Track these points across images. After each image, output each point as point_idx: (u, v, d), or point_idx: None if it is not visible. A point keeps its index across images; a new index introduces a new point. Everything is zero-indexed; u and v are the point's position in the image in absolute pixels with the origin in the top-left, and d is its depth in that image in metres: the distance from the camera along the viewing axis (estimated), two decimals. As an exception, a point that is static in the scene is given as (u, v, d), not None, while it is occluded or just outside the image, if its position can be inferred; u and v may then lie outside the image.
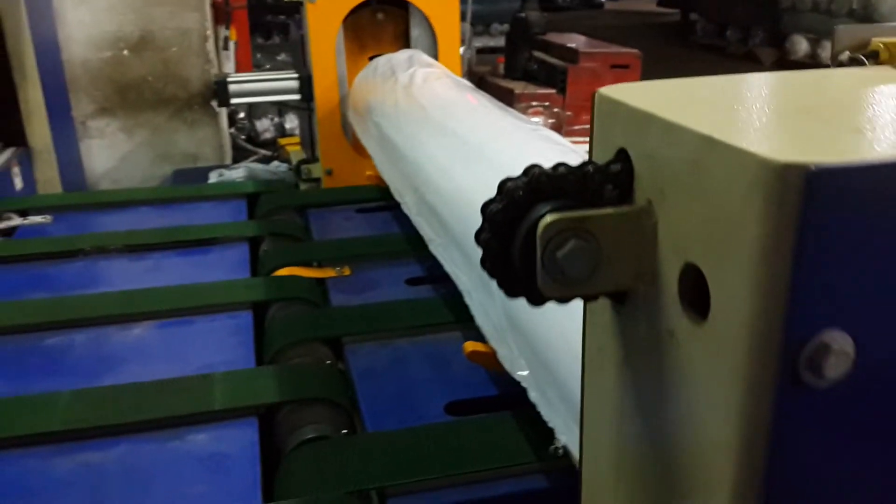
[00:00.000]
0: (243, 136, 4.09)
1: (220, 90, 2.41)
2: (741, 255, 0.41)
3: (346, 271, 1.63)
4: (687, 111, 0.47)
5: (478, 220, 0.51)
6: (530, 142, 1.29)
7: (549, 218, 0.48)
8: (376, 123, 1.90)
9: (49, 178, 2.60)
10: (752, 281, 0.40)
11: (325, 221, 1.99)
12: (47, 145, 2.58)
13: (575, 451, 0.79)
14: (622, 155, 0.51)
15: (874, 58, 0.64)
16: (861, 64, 0.65)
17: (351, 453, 1.03)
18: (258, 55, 5.08)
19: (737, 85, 0.55)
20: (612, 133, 0.53)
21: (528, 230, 0.49)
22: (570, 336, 0.77)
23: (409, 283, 1.59)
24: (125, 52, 3.04)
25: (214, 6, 3.31)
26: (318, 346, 1.33)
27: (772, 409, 0.41)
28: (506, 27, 5.34)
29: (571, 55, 4.11)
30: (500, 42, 5.48)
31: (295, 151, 2.86)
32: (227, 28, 3.66)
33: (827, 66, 0.68)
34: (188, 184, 2.67)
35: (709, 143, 0.43)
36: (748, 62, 7.12)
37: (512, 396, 1.09)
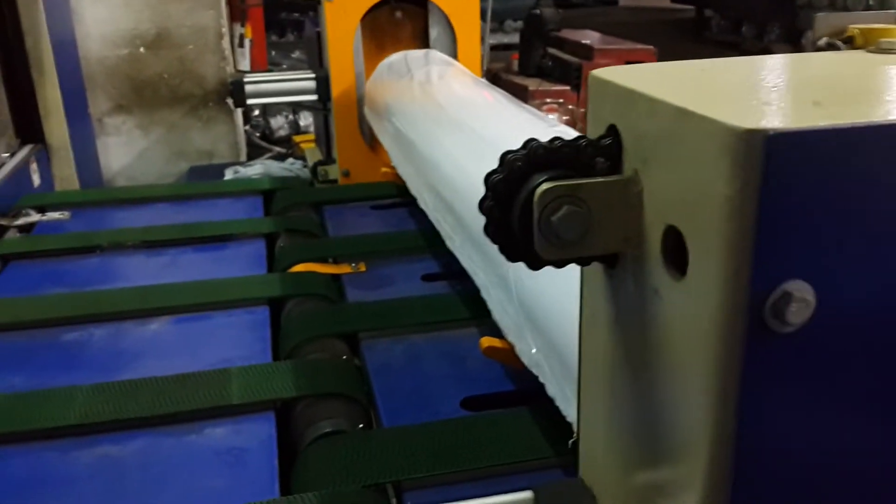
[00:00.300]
0: (258, 134, 4.10)
1: (236, 90, 2.40)
2: (712, 214, 0.45)
3: (362, 267, 1.64)
4: (666, 88, 0.52)
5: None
6: (545, 138, 1.28)
7: (545, 186, 0.53)
8: (392, 120, 1.90)
9: (66, 176, 2.61)
10: (722, 237, 0.44)
11: (340, 218, 1.99)
12: (65, 143, 2.59)
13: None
14: (612, 130, 0.57)
15: (850, 43, 0.66)
16: (837, 48, 0.67)
17: (367, 448, 1.03)
18: (273, 53, 5.09)
19: (716, 67, 0.60)
20: (603, 110, 0.58)
21: (527, 197, 0.54)
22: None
23: (425, 280, 1.59)
24: (141, 49, 3.05)
25: (230, 3, 3.32)
26: (334, 342, 1.33)
27: (742, 354, 0.45)
28: (520, 24, 5.31)
29: (586, 52, 4.09)
30: (515, 39, 5.46)
31: (310, 149, 2.86)
32: (243, 25, 3.67)
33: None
34: (204, 181, 2.68)
35: (683, 114, 0.47)
36: (764, 59, 7.05)
37: (528, 392, 1.09)
